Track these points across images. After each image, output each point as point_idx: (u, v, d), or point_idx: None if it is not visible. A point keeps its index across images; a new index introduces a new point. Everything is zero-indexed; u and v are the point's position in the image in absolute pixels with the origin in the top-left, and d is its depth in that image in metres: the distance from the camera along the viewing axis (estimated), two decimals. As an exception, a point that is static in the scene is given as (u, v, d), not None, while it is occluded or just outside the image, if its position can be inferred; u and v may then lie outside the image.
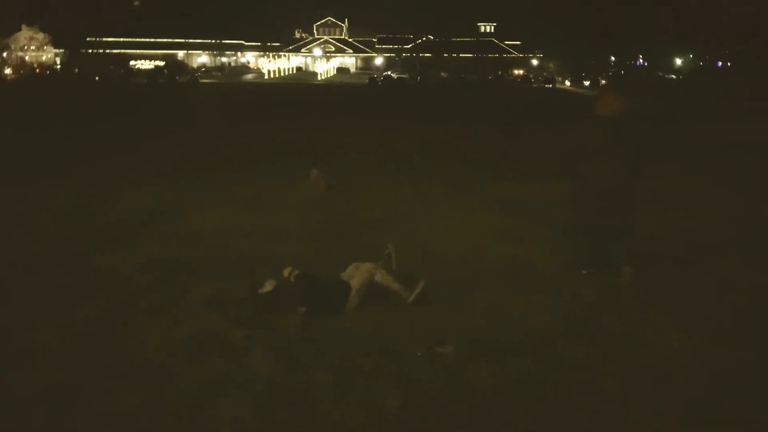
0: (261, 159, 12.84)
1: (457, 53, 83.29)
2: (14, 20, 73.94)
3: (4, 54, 72.76)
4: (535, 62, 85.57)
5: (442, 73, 72.46)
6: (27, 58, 77.86)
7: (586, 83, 66.51)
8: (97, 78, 59.03)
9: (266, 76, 74.91)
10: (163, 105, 30.10)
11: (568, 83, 69.57)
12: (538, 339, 4.23)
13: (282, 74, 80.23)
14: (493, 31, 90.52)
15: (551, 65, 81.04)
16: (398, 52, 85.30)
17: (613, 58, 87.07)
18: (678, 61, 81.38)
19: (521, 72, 79.35)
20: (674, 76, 76.88)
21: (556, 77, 70.09)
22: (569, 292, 5.10)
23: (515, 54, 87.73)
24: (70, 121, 20.47)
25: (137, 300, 4.91)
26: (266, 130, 18.61)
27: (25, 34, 78.70)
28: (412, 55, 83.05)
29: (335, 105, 31.94)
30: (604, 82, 66.84)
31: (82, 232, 7.05)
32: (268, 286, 4.71)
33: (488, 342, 4.17)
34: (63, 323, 4.43)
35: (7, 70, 66.63)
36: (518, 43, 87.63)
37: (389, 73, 72.26)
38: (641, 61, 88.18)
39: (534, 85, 63.82)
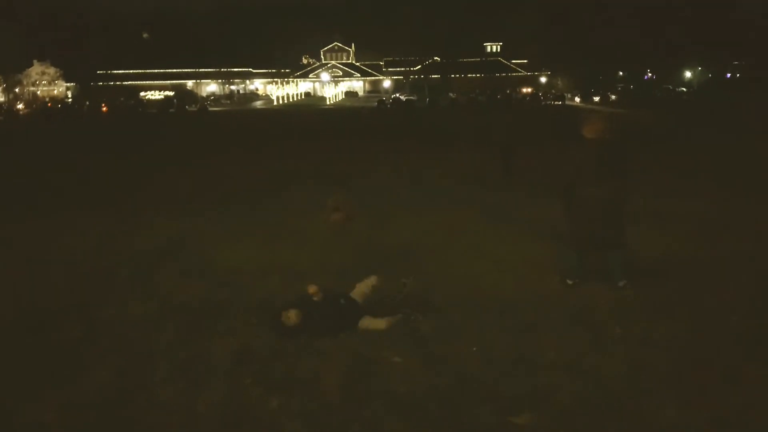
0: (275, 187, 12.39)
1: (465, 73, 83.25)
2: (26, 56, 74.87)
3: (17, 89, 73.52)
4: (543, 80, 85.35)
5: (451, 94, 72.28)
6: (39, 92, 78.72)
7: (596, 99, 66.02)
8: (104, 108, 59.38)
9: (275, 103, 75.10)
10: (174, 135, 29.87)
11: (577, 100, 69.13)
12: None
13: (290, 100, 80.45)
14: (499, 50, 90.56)
15: (560, 82, 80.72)
16: (406, 74, 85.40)
17: (621, 73, 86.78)
18: (687, 74, 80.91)
19: (530, 90, 79.06)
20: (684, 89, 76.35)
21: (566, 94, 69.60)
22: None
23: (523, 72, 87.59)
24: (81, 154, 20.19)
25: (154, 360, 4.40)
26: (278, 156, 18.20)
27: (36, 69, 79.65)
28: (419, 76, 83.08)
29: (345, 129, 31.58)
30: (613, 97, 66.45)
31: (93, 273, 6.62)
32: (294, 317, 4.63)
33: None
34: (66, 396, 3.90)
35: (20, 105, 67.18)
36: (525, 61, 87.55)
37: (398, 95, 72.16)
38: (649, 75, 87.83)
39: (543, 103, 63.39)
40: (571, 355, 4.23)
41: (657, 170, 12.85)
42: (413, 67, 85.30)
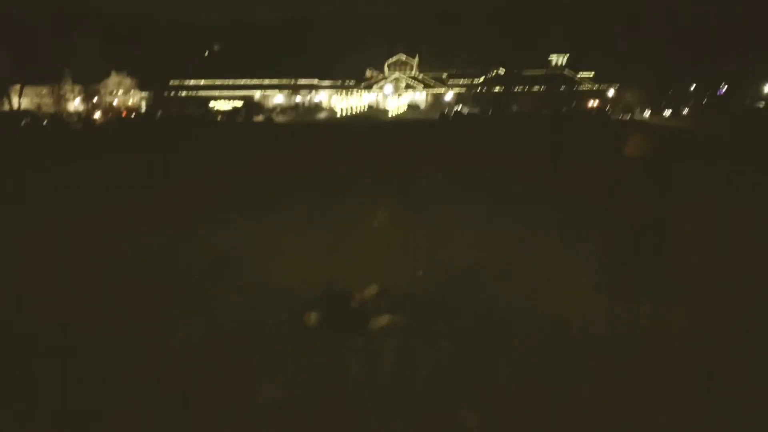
0: (337, 196, 12.45)
1: (529, 86, 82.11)
2: (105, 67, 78.57)
3: (95, 99, 77.18)
4: (611, 93, 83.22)
5: (514, 107, 71.39)
6: (115, 102, 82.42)
7: (666, 114, 63.82)
8: (159, 113, 61.51)
9: (338, 115, 76.05)
10: (238, 143, 30.64)
11: (647, 114, 67.02)
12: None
13: (353, 112, 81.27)
14: (565, 62, 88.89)
15: (628, 96, 78.51)
16: (468, 86, 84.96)
17: (693, 87, 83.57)
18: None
19: (596, 104, 77.18)
20: (763, 103, 72.79)
21: (635, 108, 67.56)
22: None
23: (589, 85, 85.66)
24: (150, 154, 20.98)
25: (190, 403, 4.04)
26: (338, 165, 18.38)
27: (114, 79, 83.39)
28: (482, 89, 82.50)
29: (407, 141, 31.60)
30: (686, 111, 64.05)
31: (134, 290, 6.33)
32: (314, 319, 4.98)
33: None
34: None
35: (97, 114, 70.48)
36: (591, 74, 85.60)
37: (460, 108, 71.84)
38: (724, 88, 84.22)
39: (611, 118, 61.72)
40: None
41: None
42: (476, 80, 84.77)
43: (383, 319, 5.05)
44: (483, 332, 5.13)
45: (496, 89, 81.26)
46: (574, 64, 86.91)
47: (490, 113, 63.43)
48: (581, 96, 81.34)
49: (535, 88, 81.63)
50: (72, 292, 6.37)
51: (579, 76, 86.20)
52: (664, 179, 5.56)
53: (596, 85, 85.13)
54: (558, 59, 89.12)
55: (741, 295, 5.97)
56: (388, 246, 8.03)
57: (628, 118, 60.55)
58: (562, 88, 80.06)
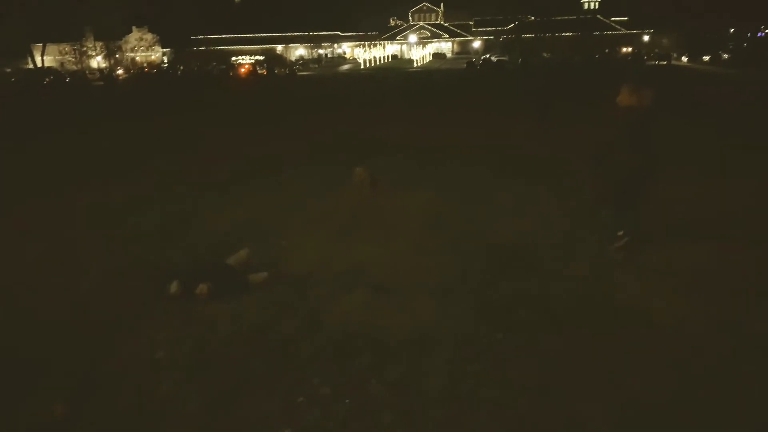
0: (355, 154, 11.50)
1: (560, 32, 78.91)
2: (126, 23, 77.56)
3: (117, 55, 76.42)
4: (646, 38, 79.74)
5: (545, 54, 68.76)
6: (137, 58, 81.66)
7: (705, 58, 60.87)
8: (181, 70, 60.80)
9: (362, 66, 74.35)
10: (260, 98, 29.73)
11: (685, 59, 64.04)
12: None
13: (377, 63, 79.44)
14: (597, 7, 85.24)
15: (665, 41, 75.07)
16: (497, 34, 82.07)
17: (732, 30, 79.52)
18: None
19: (630, 50, 74.04)
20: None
21: (672, 53, 64.52)
22: None
23: (623, 30, 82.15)
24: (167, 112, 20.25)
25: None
26: (359, 121, 17.40)
27: (135, 35, 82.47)
28: (511, 36, 79.55)
29: (435, 91, 30.32)
30: (726, 56, 60.91)
31: (131, 273, 5.63)
32: (206, 290, 4.96)
33: None
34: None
35: (119, 70, 69.85)
36: (625, 18, 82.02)
37: (488, 56, 69.53)
38: (763, 32, 79.96)
39: (647, 63, 59.04)
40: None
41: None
42: (505, 27, 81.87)
43: (261, 275, 5.31)
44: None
45: (526, 36, 78.35)
46: (607, 9, 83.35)
47: (519, 61, 61.09)
48: (615, 41, 77.98)
49: (567, 35, 78.53)
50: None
51: (612, 20, 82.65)
52: (654, 129, 5.62)
53: (630, 31, 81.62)
54: (590, 3, 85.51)
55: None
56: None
57: (665, 63, 57.89)
58: (595, 34, 76.91)
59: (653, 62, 60.03)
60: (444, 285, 5.13)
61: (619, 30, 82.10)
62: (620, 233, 5.69)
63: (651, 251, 5.74)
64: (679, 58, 64.33)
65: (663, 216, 6.64)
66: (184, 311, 4.75)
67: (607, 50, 70.73)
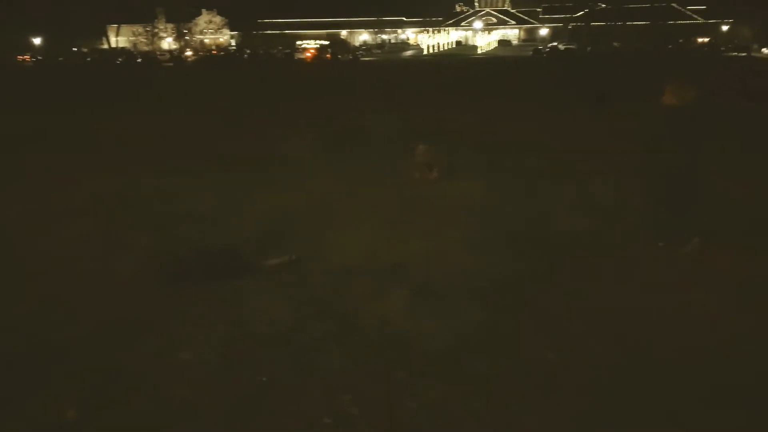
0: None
1: (632, 21, 75.94)
2: (195, 5, 79.38)
3: (186, 37, 78.37)
4: (724, 28, 75.90)
5: (615, 43, 66.43)
6: (206, 40, 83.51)
7: (789, 50, 57.51)
8: (247, 53, 61.84)
9: (425, 52, 73.74)
10: (322, 82, 29.89)
11: (766, 51, 60.69)
12: None
13: (441, 49, 78.64)
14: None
15: (745, 31, 71.27)
16: (565, 21, 79.79)
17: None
18: None
19: (705, 40, 70.63)
20: None
21: (752, 45, 61.19)
22: None
23: (699, 20, 78.41)
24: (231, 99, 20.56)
25: None
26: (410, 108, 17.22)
27: (204, 18, 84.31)
28: (580, 24, 77.16)
29: (498, 79, 29.75)
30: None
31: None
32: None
33: None
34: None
35: (188, 52, 71.65)
36: (703, 7, 78.22)
37: (556, 44, 67.71)
38: None
39: (724, 54, 56.24)
40: None
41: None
42: (574, 14, 79.50)
43: (277, 260, 5.26)
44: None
45: (596, 24, 75.83)
46: (684, -2, 79.78)
47: (588, 50, 59.27)
48: (690, 31, 74.56)
49: (639, 23, 75.55)
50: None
51: (689, 9, 79.02)
52: (703, 127, 5.48)
53: (707, 20, 77.84)
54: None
55: None
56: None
57: (744, 55, 55.03)
58: (669, 23, 73.69)
59: (731, 53, 57.13)
60: (494, 288, 4.86)
61: (696, 19, 78.42)
62: (690, 237, 5.50)
63: (719, 255, 5.39)
64: (758, 50, 60.99)
65: (730, 217, 6.30)
66: (204, 299, 4.68)
67: (681, 40, 67.73)
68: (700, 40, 71.98)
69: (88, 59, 59.78)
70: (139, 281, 5.10)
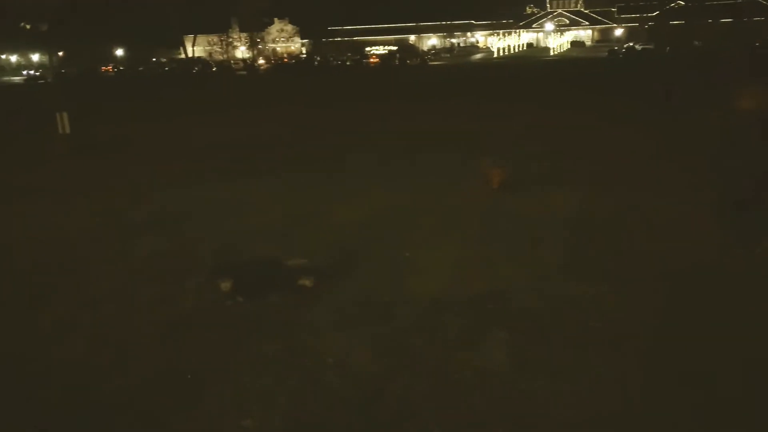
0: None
1: (714, 19, 72.30)
2: (268, 15, 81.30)
3: (259, 46, 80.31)
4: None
5: (696, 42, 63.45)
6: (278, 48, 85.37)
7: None
8: (318, 60, 62.65)
9: (495, 55, 72.75)
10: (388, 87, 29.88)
11: None
12: None
13: (512, 51, 77.41)
14: (760, -10, 77.23)
15: None
16: (642, 21, 76.92)
17: None
18: None
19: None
20: None
21: None
22: None
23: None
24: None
25: None
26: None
27: (276, 26, 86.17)
28: (657, 23, 74.19)
29: (572, 83, 28.89)
30: None
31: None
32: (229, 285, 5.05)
33: None
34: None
35: (261, 60, 73.38)
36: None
37: (632, 44, 65.36)
38: None
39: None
40: None
41: None
42: (651, 13, 76.54)
43: (308, 280, 5.16)
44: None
45: (674, 23, 72.73)
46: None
47: (667, 50, 56.86)
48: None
49: (722, 21, 71.87)
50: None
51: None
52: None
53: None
54: (752, -14, 77.71)
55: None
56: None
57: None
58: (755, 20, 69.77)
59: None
60: (612, 332, 4.02)
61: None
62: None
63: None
64: None
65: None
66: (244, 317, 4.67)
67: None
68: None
69: (166, 69, 62.18)
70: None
